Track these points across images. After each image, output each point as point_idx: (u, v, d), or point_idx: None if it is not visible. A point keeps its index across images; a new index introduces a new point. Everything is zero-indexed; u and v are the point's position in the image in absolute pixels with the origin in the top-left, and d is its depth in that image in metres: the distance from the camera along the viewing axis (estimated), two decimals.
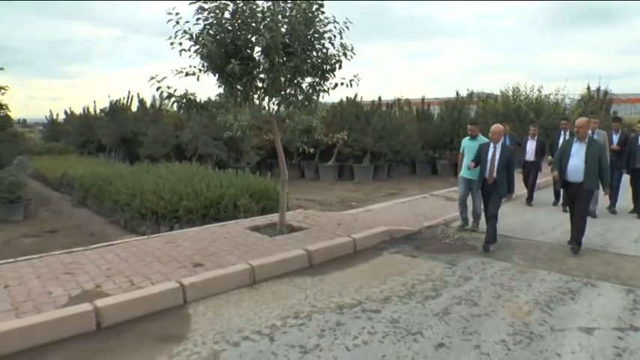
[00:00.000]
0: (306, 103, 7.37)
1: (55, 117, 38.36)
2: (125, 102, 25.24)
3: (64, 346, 4.32)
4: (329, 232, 7.64)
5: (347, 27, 7.03)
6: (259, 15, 6.66)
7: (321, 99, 7.71)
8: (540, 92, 19.86)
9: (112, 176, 12.19)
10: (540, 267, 6.42)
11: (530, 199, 11.17)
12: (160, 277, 5.56)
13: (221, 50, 6.55)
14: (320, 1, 6.88)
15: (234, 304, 5.17)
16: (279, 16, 6.60)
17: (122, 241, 7.48)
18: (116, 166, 15.85)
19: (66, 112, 36.65)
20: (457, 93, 20.94)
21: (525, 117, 18.09)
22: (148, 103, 23.66)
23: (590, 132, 9.07)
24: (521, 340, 4.28)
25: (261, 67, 6.80)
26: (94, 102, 37.28)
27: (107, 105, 25.38)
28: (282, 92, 7.11)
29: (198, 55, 6.78)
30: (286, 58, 6.66)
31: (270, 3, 6.73)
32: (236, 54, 6.55)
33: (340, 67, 7.16)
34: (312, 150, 8.78)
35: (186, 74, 6.95)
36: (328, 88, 7.37)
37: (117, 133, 22.29)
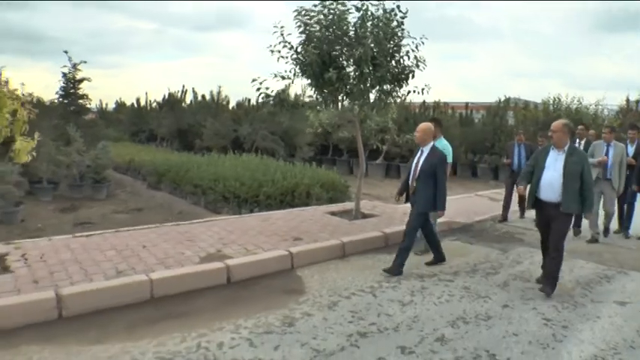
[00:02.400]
0: (383, 106, 8.54)
1: (104, 106, 40.28)
2: (180, 95, 26.84)
3: (205, 294, 5.48)
4: (397, 219, 8.83)
5: (422, 42, 8.02)
6: (351, 30, 7.81)
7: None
8: (580, 103, 20.54)
9: (187, 163, 13.55)
10: (580, 257, 7.41)
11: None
12: (269, 246, 6.81)
13: (319, 60, 7.73)
14: (400, 19, 7.86)
15: (334, 270, 6.42)
16: (367, 32, 7.70)
17: (221, 218, 8.79)
18: (182, 156, 17.21)
19: (117, 102, 38.59)
20: (499, 100, 21.75)
21: None
22: (199, 96, 25.26)
23: (604, 144, 8.40)
24: (568, 306, 5.43)
25: (351, 75, 7.94)
26: (146, 93, 39.15)
27: (162, 97, 27.05)
28: (365, 97, 8.23)
29: (294, 62, 8.00)
30: (373, 69, 7.75)
31: (358, 19, 7.79)
32: (331, 64, 7.74)
33: (413, 76, 8.15)
34: (384, 147, 9.87)
35: (283, 78, 8.19)
36: (402, 94, 8.46)
37: (174, 124, 23.76)
